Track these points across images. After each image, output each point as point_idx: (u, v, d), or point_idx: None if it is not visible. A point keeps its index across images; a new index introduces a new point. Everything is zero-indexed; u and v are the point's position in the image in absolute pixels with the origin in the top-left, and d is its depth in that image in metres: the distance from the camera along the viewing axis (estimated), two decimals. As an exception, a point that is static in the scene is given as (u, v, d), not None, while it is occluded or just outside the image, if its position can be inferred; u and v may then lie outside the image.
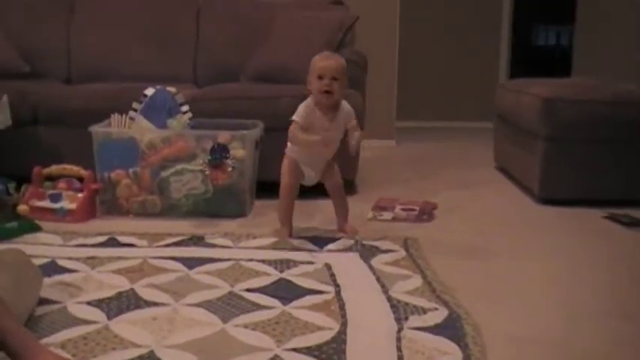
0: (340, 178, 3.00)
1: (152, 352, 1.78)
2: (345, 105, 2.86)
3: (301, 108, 2.80)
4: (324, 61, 2.76)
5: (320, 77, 2.74)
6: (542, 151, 3.55)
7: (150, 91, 3.33)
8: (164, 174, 3.17)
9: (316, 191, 3.09)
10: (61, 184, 3.23)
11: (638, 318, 2.12)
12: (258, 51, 4.10)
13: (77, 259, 2.54)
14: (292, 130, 2.78)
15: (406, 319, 2.03)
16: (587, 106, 3.48)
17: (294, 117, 2.79)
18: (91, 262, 2.52)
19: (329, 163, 2.94)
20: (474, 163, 4.88)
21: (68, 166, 3.23)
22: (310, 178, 2.94)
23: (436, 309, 2.11)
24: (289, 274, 2.42)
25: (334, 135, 2.84)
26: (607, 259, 2.72)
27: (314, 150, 2.82)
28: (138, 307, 2.10)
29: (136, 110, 3.30)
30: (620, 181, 3.53)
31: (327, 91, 2.74)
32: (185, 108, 3.36)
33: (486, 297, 2.26)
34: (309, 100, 2.81)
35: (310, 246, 2.78)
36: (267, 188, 3.33)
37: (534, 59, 9.11)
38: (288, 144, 2.89)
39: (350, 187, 3.67)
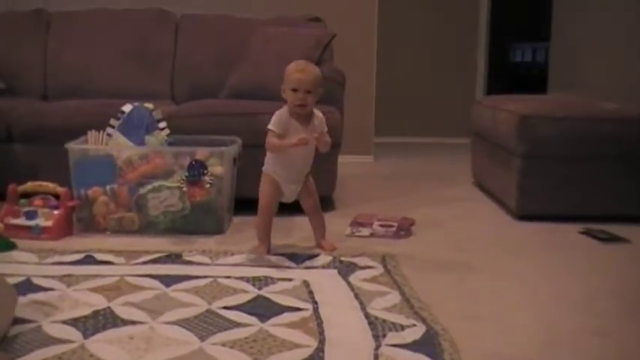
0: (317, 196, 3.00)
1: (128, 371, 1.77)
2: (318, 113, 2.89)
3: (276, 117, 2.82)
4: (299, 74, 2.76)
5: (294, 90, 2.75)
6: (519, 168, 3.57)
7: (127, 108, 3.32)
8: (142, 191, 3.15)
9: (294, 208, 3.09)
10: (37, 202, 3.21)
11: (616, 334, 2.13)
12: (236, 67, 4.10)
13: (53, 277, 2.52)
14: (270, 140, 2.80)
15: (384, 336, 2.03)
16: (563, 123, 3.52)
17: (269, 126, 2.81)
18: (67, 280, 2.50)
19: (307, 179, 2.94)
20: (452, 179, 4.90)
21: (44, 183, 3.20)
22: (289, 194, 2.94)
23: (414, 325, 2.11)
24: (267, 292, 2.41)
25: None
26: (584, 274, 2.74)
27: (294, 158, 2.82)
28: (114, 325, 2.08)
29: (113, 127, 3.29)
30: (597, 196, 3.56)
31: (301, 105, 2.76)
32: (163, 124, 3.35)
33: (464, 313, 2.27)
34: (284, 109, 2.83)
35: (288, 263, 2.77)
36: (245, 205, 3.33)
37: (511, 76, 9.18)
38: (266, 161, 2.89)
39: (328, 204, 3.68)
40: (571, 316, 2.28)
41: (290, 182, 2.90)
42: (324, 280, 2.56)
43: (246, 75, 4.02)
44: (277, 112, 2.84)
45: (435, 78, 7.30)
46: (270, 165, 2.89)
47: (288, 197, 2.96)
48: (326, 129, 2.90)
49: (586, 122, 3.53)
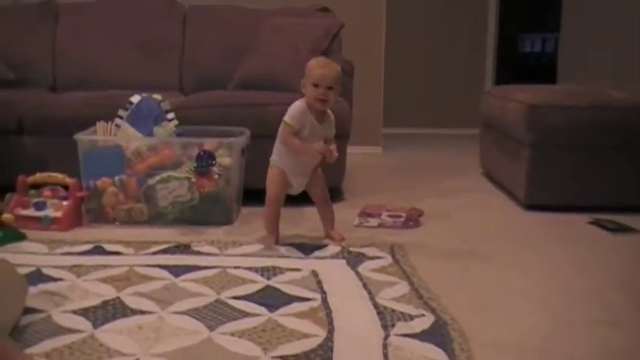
0: (325, 187, 3.00)
1: (138, 360, 1.78)
2: (331, 115, 2.90)
3: (294, 110, 2.81)
4: (322, 70, 2.76)
5: (316, 85, 2.75)
6: (528, 158, 3.56)
7: (136, 99, 3.32)
8: (150, 182, 3.16)
9: (302, 199, 3.09)
10: (46, 193, 3.22)
11: (624, 324, 2.13)
12: (245, 58, 4.10)
13: (62, 268, 2.53)
14: (288, 137, 2.80)
15: (393, 325, 2.03)
16: (572, 113, 3.50)
17: (287, 119, 2.80)
18: (77, 270, 2.51)
19: (315, 170, 2.94)
20: (461, 169, 4.89)
21: (53, 174, 3.21)
22: (297, 186, 2.94)
23: (423, 315, 2.11)
24: (276, 282, 2.42)
25: (323, 135, 2.86)
26: (593, 265, 2.73)
27: (305, 158, 2.83)
28: (124, 315, 2.09)
29: (121, 118, 3.30)
30: (606, 186, 3.55)
31: (322, 99, 2.76)
32: (171, 115, 3.36)
33: (473, 303, 2.27)
34: (302, 102, 2.82)
35: (297, 253, 2.78)
36: (253, 196, 3.33)
37: (520, 66, 9.14)
38: (274, 152, 2.89)
39: (336, 194, 3.68)
40: (579, 306, 2.27)
41: (297, 174, 2.90)
42: (333, 271, 2.56)
43: (254, 66, 4.02)
44: (295, 105, 2.82)
45: (444, 69, 7.29)
46: (277, 156, 2.89)
47: (296, 189, 2.96)
48: (334, 132, 2.91)
49: (595, 112, 3.51)
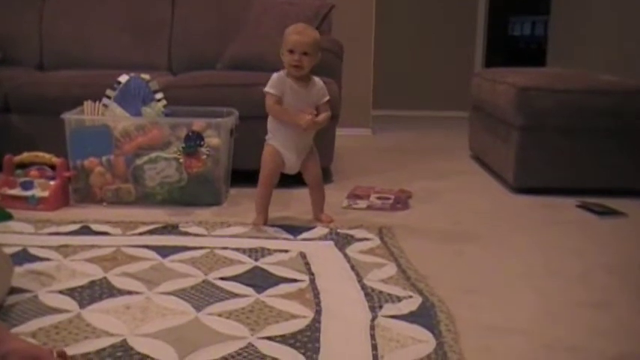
0: (320, 169, 2.99)
1: (125, 340, 1.77)
2: (319, 81, 2.90)
3: (273, 78, 2.84)
4: (297, 36, 2.77)
5: (291, 51, 2.76)
6: (517, 140, 3.56)
7: (124, 78, 3.30)
8: (138, 162, 3.14)
9: (292, 180, 3.09)
10: (33, 172, 3.19)
11: (613, 307, 2.13)
12: (234, 38, 4.07)
13: (49, 248, 2.51)
14: (271, 104, 2.81)
15: (380, 307, 2.03)
16: (561, 96, 3.50)
17: (267, 89, 2.82)
18: (64, 250, 2.50)
19: (311, 151, 2.93)
20: (450, 152, 4.89)
21: (40, 154, 3.19)
22: (292, 165, 2.92)
23: (410, 297, 2.11)
24: (264, 263, 2.41)
25: (309, 102, 2.85)
26: (581, 247, 2.74)
27: (295, 127, 2.83)
28: (111, 295, 2.08)
29: (109, 97, 3.28)
30: (595, 170, 3.55)
31: (296, 65, 2.76)
32: (159, 95, 3.34)
33: (460, 285, 2.27)
34: (280, 72, 2.85)
35: (285, 234, 2.77)
36: (242, 176, 3.33)
37: (509, 49, 9.13)
38: (268, 131, 2.88)
39: (325, 176, 3.65)
40: (567, 288, 2.28)
41: (292, 152, 2.88)
42: (321, 252, 2.56)
43: (243, 46, 3.99)
44: (274, 74, 2.85)
45: (434, 51, 7.27)
46: (272, 134, 2.88)
47: (291, 168, 2.95)
48: (327, 97, 2.90)
49: (585, 95, 3.51)
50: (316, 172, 2.97)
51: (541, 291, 2.25)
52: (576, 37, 5.90)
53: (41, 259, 2.39)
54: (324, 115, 2.87)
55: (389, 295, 2.13)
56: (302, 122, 2.79)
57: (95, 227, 2.81)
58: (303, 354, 1.72)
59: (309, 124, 2.80)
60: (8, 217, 2.87)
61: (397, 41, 7.11)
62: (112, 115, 3.25)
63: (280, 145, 2.86)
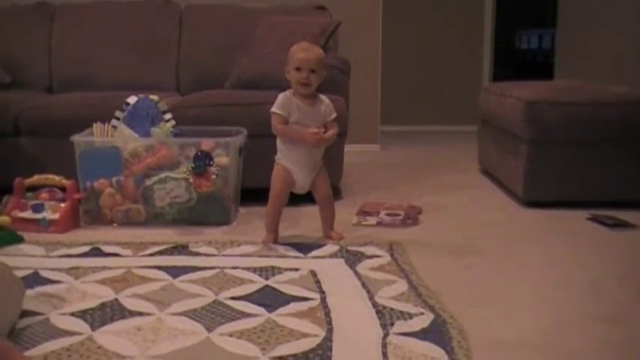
0: (329, 188, 2.99)
1: (136, 362, 1.77)
2: (325, 99, 2.91)
3: (279, 98, 2.85)
4: (303, 53, 2.79)
5: (298, 69, 2.77)
6: (526, 154, 3.56)
7: (132, 100, 3.32)
8: (148, 182, 3.15)
9: (301, 197, 3.09)
10: (43, 195, 3.21)
11: (625, 320, 2.12)
12: (241, 57, 4.09)
13: (60, 270, 2.52)
14: (276, 124, 2.82)
15: (392, 324, 2.03)
16: (569, 108, 3.49)
17: (273, 109, 2.83)
18: (75, 272, 2.50)
19: (320, 170, 2.93)
20: (459, 166, 4.89)
21: (50, 176, 3.21)
22: (302, 184, 2.93)
23: (422, 314, 2.11)
24: (274, 282, 2.41)
25: (316, 120, 2.85)
26: (592, 260, 2.73)
27: (304, 145, 2.83)
28: (122, 317, 2.08)
29: (118, 119, 3.29)
30: (605, 182, 3.54)
31: (304, 83, 2.78)
32: (168, 116, 3.35)
33: (472, 301, 2.26)
34: (287, 91, 2.86)
35: (295, 253, 2.77)
36: (251, 195, 3.33)
37: (517, 62, 9.15)
38: (278, 150, 2.89)
39: (334, 193, 3.64)
40: (580, 302, 2.27)
41: (302, 171, 2.89)
42: (331, 270, 2.55)
43: (250, 64, 4.01)
44: (280, 94, 2.86)
45: (441, 65, 7.28)
46: (281, 153, 2.89)
47: (301, 187, 2.95)
48: (335, 114, 2.90)
49: (593, 107, 3.50)
50: (326, 190, 2.97)
51: (553, 305, 2.24)
52: (583, 49, 5.90)
53: (52, 282, 2.40)
54: (331, 132, 2.88)
55: (400, 312, 2.12)
56: (309, 139, 2.80)
57: (106, 249, 2.82)
58: (315, 373, 1.72)
59: (317, 140, 2.80)
60: (19, 239, 2.91)
61: (404, 56, 7.13)
62: (121, 136, 3.27)
63: (290, 164, 2.87)
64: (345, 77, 3.92)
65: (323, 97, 2.90)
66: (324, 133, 2.85)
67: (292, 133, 2.83)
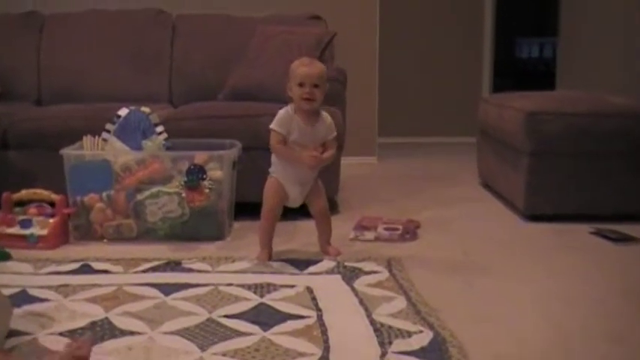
0: (326, 201, 2.99)
1: (127, 383, 1.77)
2: (327, 117, 2.90)
3: (279, 115, 2.83)
4: (305, 68, 2.78)
5: (301, 84, 2.76)
6: (527, 166, 3.56)
7: (123, 112, 3.32)
8: (139, 197, 3.15)
9: (296, 211, 3.09)
10: (32, 210, 3.20)
11: (627, 339, 2.12)
12: (236, 68, 4.10)
13: (49, 288, 2.51)
14: (275, 144, 2.81)
15: (390, 342, 2.02)
16: (571, 119, 3.50)
17: (273, 126, 2.82)
18: (64, 290, 2.49)
19: (315, 183, 2.94)
20: (458, 179, 4.89)
21: (39, 191, 3.20)
22: (295, 198, 2.93)
23: (421, 331, 2.10)
24: (269, 299, 2.40)
25: (315, 140, 2.85)
26: (595, 276, 2.73)
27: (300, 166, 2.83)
28: (113, 336, 2.07)
29: (109, 131, 3.29)
30: (608, 195, 3.54)
31: (308, 99, 2.76)
32: (160, 128, 3.35)
33: (473, 317, 2.26)
34: (287, 108, 2.84)
35: (291, 269, 2.77)
36: (246, 210, 3.33)
37: (517, 72, 9.18)
38: (272, 163, 2.89)
39: (331, 207, 3.64)
40: (581, 318, 2.27)
41: (295, 185, 2.89)
42: (328, 286, 2.55)
43: (245, 76, 4.02)
44: (280, 111, 2.84)
45: (440, 76, 7.30)
46: (274, 167, 2.89)
47: (294, 201, 2.95)
48: (335, 134, 2.91)
49: (595, 118, 3.51)
50: (322, 204, 2.97)
51: (555, 321, 2.23)
52: (586, 58, 5.92)
53: (41, 300, 2.39)
54: (329, 153, 2.87)
55: (399, 330, 2.12)
56: (307, 162, 2.79)
57: (96, 265, 2.81)
58: (312, 394, 1.71)
59: (314, 163, 2.81)
60: (7, 256, 2.90)
61: (402, 67, 7.15)
62: (112, 149, 3.27)
63: (283, 179, 2.87)
64: (341, 88, 3.93)
65: (325, 114, 2.90)
66: (322, 152, 2.85)
67: (290, 154, 2.82)
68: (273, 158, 2.89)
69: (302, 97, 2.77)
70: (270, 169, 2.91)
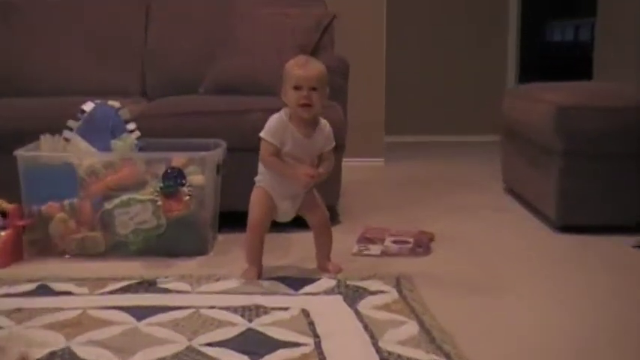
0: (325, 212, 2.99)
1: (92, 423, 1.76)
2: (326, 125, 2.89)
3: (271, 123, 2.81)
4: (301, 69, 2.76)
5: (297, 88, 2.74)
6: (559, 169, 3.56)
7: (89, 107, 3.32)
8: (108, 206, 3.15)
9: (290, 222, 3.08)
10: (-19, 222, 3.21)
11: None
12: (221, 57, 4.10)
13: (0, 313, 2.51)
14: (266, 156, 2.80)
15: (399, 375, 2.02)
16: (611, 114, 3.50)
17: (263, 135, 2.80)
18: (17, 316, 2.48)
19: (310, 193, 2.93)
20: (478, 184, 4.90)
21: (-12, 200, 3.21)
22: (286, 212, 2.93)
23: (435, 362, 2.11)
24: (259, 324, 2.40)
25: (312, 152, 2.85)
26: (637, 299, 2.72)
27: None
28: (75, 369, 2.08)
29: (71, 129, 3.29)
30: (652, 202, 3.55)
31: (305, 104, 2.75)
32: (132, 126, 3.35)
33: (494, 344, 2.26)
34: (281, 114, 2.82)
35: (284, 289, 2.77)
36: (232, 220, 3.32)
37: (548, 60, 9.17)
38: (259, 171, 2.88)
39: (331, 216, 3.65)
40: (624, 348, 2.26)
41: (285, 197, 2.88)
42: (328, 309, 2.55)
43: (232, 65, 4.02)
44: (273, 117, 2.83)
45: (457, 64, 7.30)
46: (261, 175, 2.89)
47: (284, 215, 2.95)
48: (333, 144, 2.91)
49: (638, 113, 3.51)
50: (320, 214, 2.97)
51: (591, 352, 2.23)
52: (628, 42, 5.91)
53: (-9, 327, 2.39)
54: (326, 168, 2.86)
55: (409, 359, 2.12)
56: (303, 181, 2.78)
57: (56, 286, 2.80)
58: None
59: (310, 183, 2.80)
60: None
61: (412, 54, 7.15)
62: (76, 150, 3.26)
63: (271, 188, 2.86)
64: (342, 80, 3.92)
65: (323, 122, 2.89)
66: (318, 165, 2.85)
67: (283, 169, 2.81)
68: (261, 167, 2.88)
69: (298, 104, 2.76)
70: (257, 178, 2.90)
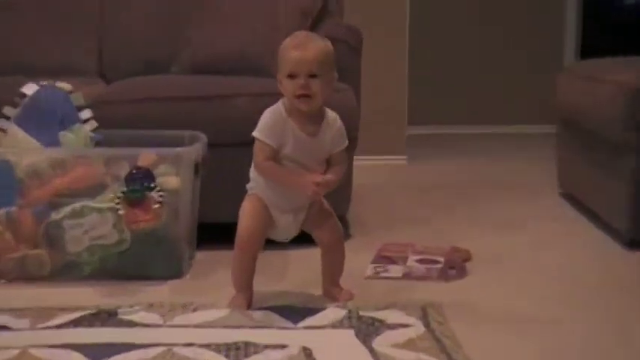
0: (338, 223, 2.97)
1: None
2: (335, 120, 2.86)
3: (267, 119, 2.79)
4: (297, 50, 2.72)
5: (292, 75, 2.72)
6: (632, 170, 3.56)
7: (31, 89, 3.32)
8: (55, 216, 3.15)
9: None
10: None
11: None
12: (197, 26, 4.11)
13: None
14: (261, 160, 2.78)
15: None
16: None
17: (257, 134, 2.77)
18: (-60, 356, 2.50)
19: (317, 203, 2.91)
20: (527, 188, 4.91)
21: None
22: (286, 229, 2.92)
23: (471, 414, 2.12)
24: (249, 366, 2.42)
25: (319, 155, 2.84)
26: None
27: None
28: None
29: (8, 118, 3.29)
30: None
31: (303, 95, 2.74)
32: (86, 114, 3.36)
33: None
34: (279, 106, 2.81)
35: (280, 321, 2.77)
36: (213, 234, 3.33)
37: (619, 28, 9.16)
38: (251, 177, 2.88)
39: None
40: None
41: (285, 210, 2.87)
42: (335, 346, 2.56)
43: (213, 40, 4.03)
44: (269, 111, 2.81)
45: (495, 38, 7.28)
46: (257, 184, 2.87)
47: (284, 232, 2.93)
48: (346, 143, 2.88)
49: None
50: (332, 229, 2.95)
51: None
52: None
53: None
54: (337, 173, 2.83)
55: (438, 411, 2.13)
56: (309, 191, 2.75)
57: (-13, 319, 2.81)
58: None
59: (318, 194, 2.78)
60: None
61: (441, 27, 7.15)
62: (14, 144, 3.27)
63: (267, 198, 2.85)
64: (354, 55, 3.92)
65: (332, 115, 2.86)
66: (326, 171, 2.83)
67: (283, 177, 2.79)
68: (253, 173, 2.88)
69: (295, 94, 2.73)
70: (249, 186, 2.89)
